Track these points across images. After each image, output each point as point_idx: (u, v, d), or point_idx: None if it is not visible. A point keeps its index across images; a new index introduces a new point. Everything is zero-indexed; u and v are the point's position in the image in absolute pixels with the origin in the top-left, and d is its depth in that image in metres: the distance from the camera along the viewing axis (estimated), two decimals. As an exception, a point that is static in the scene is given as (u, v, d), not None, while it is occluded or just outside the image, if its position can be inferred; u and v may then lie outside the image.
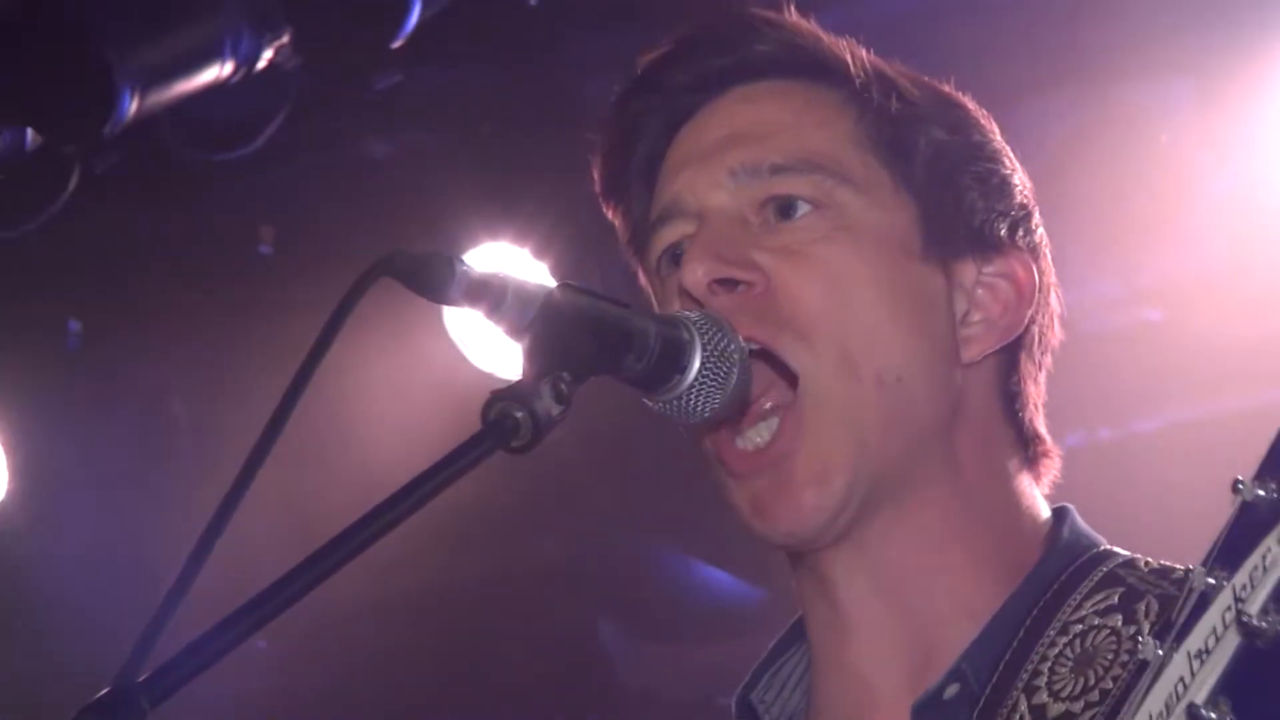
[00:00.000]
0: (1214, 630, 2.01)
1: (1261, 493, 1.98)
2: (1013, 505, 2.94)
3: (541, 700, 7.62)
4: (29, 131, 5.99)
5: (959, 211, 2.93)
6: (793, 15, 3.00)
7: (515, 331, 2.60)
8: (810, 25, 2.98)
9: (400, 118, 6.45)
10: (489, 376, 6.29)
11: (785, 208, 2.83)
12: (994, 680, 2.74)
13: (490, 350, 6.40)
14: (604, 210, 3.02)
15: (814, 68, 2.91)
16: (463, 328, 6.36)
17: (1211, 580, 2.01)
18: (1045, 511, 2.96)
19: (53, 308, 7.09)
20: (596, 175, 2.99)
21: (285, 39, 5.88)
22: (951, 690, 2.76)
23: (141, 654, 2.40)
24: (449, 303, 2.63)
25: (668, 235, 2.87)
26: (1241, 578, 1.97)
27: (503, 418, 2.48)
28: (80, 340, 7.16)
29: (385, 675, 7.23)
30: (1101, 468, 5.75)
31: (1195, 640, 2.02)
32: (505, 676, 7.56)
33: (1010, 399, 2.94)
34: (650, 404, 2.69)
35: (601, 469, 6.55)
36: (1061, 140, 6.10)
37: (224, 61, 5.89)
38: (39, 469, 7.27)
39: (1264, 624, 1.93)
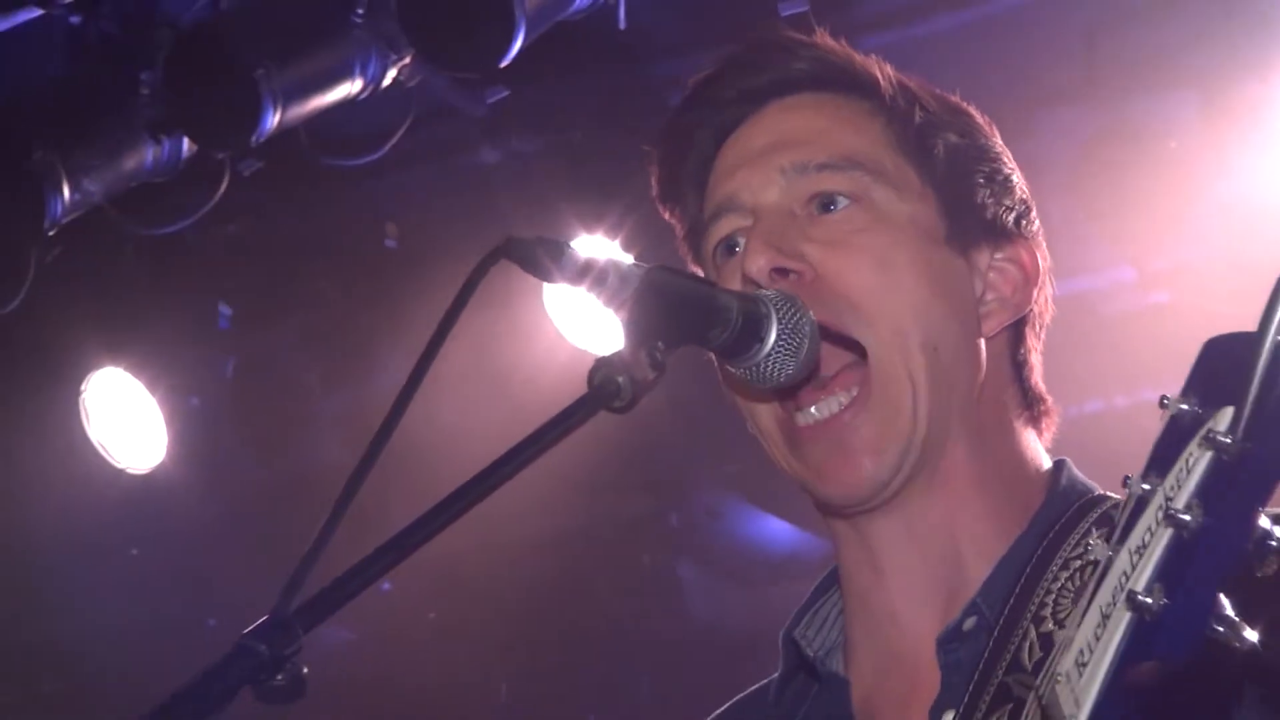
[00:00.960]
0: (1149, 528, 2.05)
1: (1184, 407, 2.04)
2: (1021, 458, 2.92)
3: (628, 629, 7.59)
4: (185, 141, 5.98)
5: (973, 205, 2.91)
6: (825, 38, 2.97)
7: (616, 306, 2.56)
8: (841, 45, 2.96)
9: (506, 128, 6.42)
10: (583, 353, 6.27)
11: (827, 202, 2.80)
12: (1005, 613, 2.72)
13: (584, 330, 6.37)
14: (661, 212, 2.98)
15: (846, 82, 2.89)
16: (562, 309, 6.32)
17: (1146, 486, 2.06)
18: (1047, 463, 2.95)
19: (206, 293, 7.09)
20: (654, 181, 2.96)
21: (407, 60, 5.86)
22: (970, 623, 2.73)
23: (293, 588, 2.42)
24: (560, 281, 2.59)
25: (724, 227, 2.85)
26: (1170, 480, 2.03)
27: (606, 382, 2.44)
28: (230, 321, 7.14)
29: (495, 610, 7.20)
30: (1116, 430, 5.73)
31: (1135, 539, 2.06)
32: (598, 611, 7.52)
33: (1019, 367, 2.94)
34: (733, 370, 2.65)
35: (683, 432, 6.51)
36: (1082, 146, 6.11)
37: (354, 80, 5.89)
38: (194, 434, 7.22)
39: (1188, 517, 1.99)
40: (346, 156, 6.42)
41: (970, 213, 2.91)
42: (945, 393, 2.78)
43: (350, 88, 5.91)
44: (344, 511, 2.52)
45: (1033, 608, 2.72)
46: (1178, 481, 2.05)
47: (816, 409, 2.74)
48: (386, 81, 5.94)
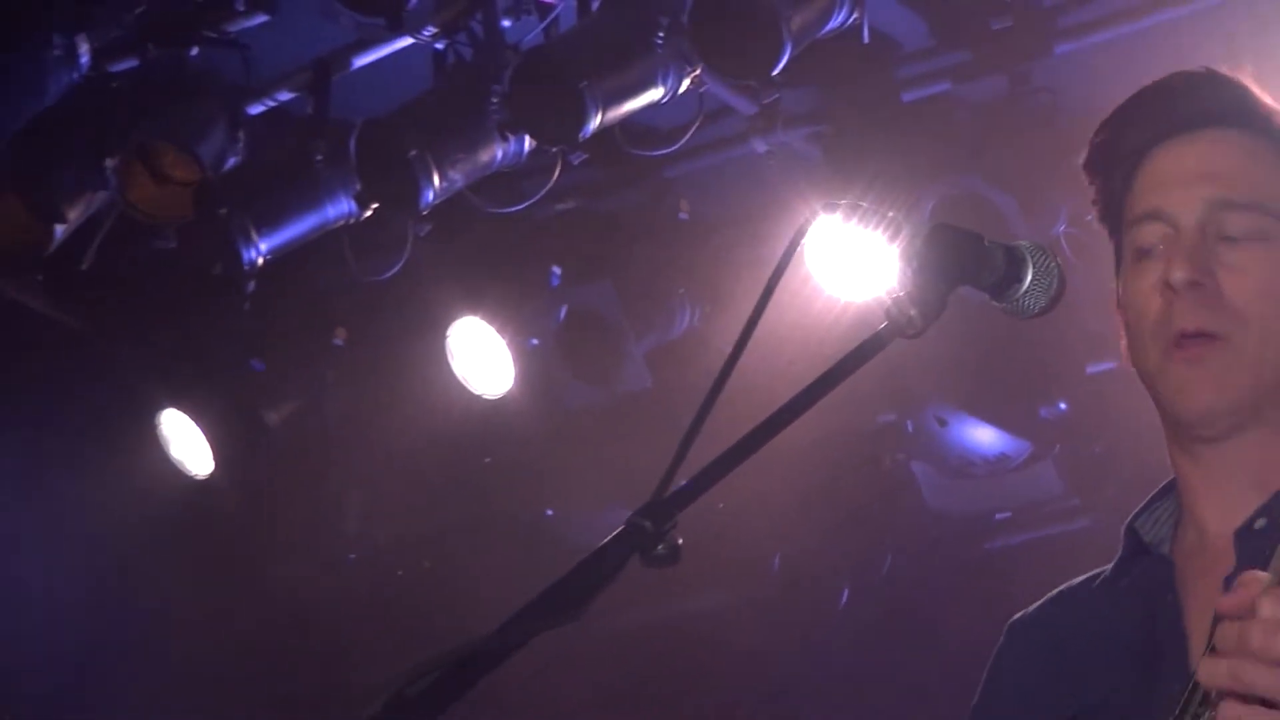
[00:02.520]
0: None
1: None
2: None
3: (874, 517, 7.51)
4: (527, 138, 6.00)
5: None
6: (1250, 79, 2.83)
7: (906, 253, 2.52)
8: (1251, 83, 2.83)
9: (774, 124, 6.38)
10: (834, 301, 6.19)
11: (1233, 237, 2.69)
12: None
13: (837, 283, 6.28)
14: (1084, 174, 2.88)
15: (1261, 121, 2.76)
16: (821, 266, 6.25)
17: None
18: None
19: (542, 258, 7.06)
20: (1086, 153, 2.84)
21: (697, 71, 5.85)
22: (1260, 523, 2.65)
23: (669, 478, 2.39)
24: (870, 229, 2.58)
25: (1149, 233, 2.74)
26: None
27: (901, 315, 2.42)
28: (560, 280, 7.14)
29: (769, 500, 7.13)
30: None
31: None
32: (849, 502, 7.46)
33: None
34: (997, 305, 2.59)
35: (916, 360, 6.44)
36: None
37: (657, 88, 5.88)
38: (533, 368, 7.25)
39: None
40: (650, 148, 6.39)
41: None
42: None
43: (654, 94, 5.89)
44: (699, 428, 2.47)
45: None
46: None
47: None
48: (681, 89, 5.92)
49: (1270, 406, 2.67)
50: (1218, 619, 2.25)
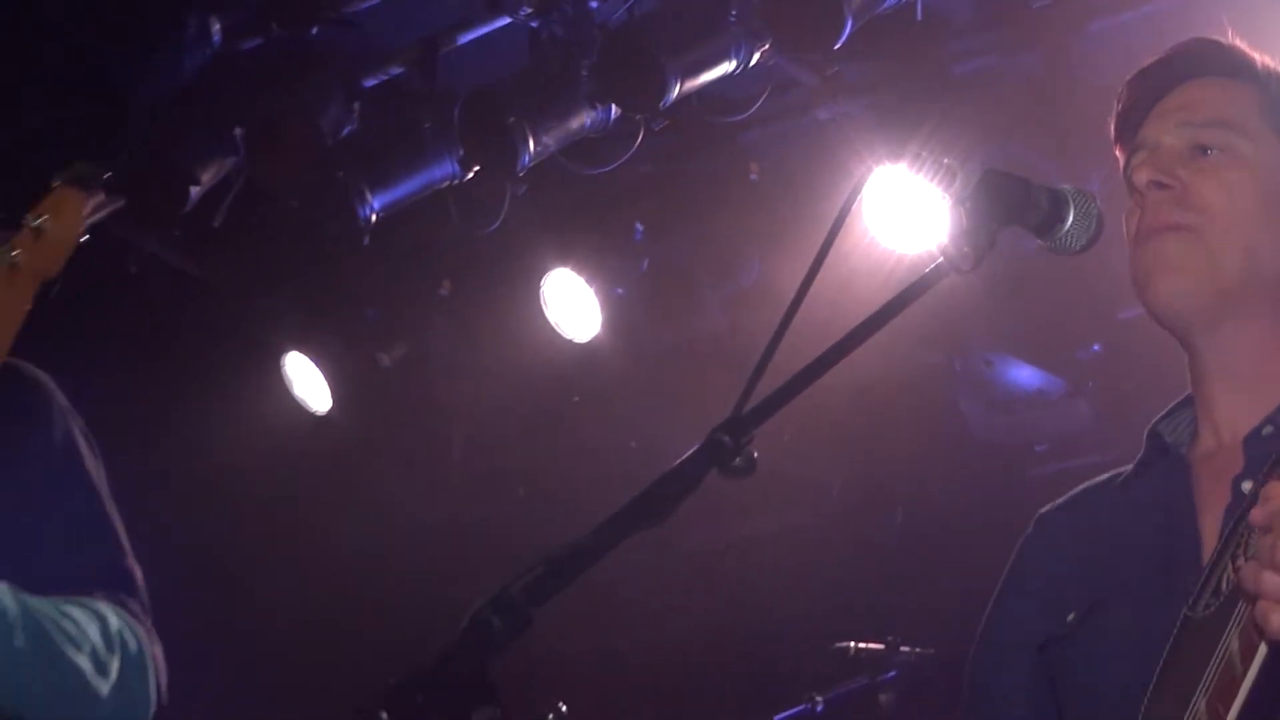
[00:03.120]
0: None
1: None
2: None
3: (924, 449, 7.52)
4: (613, 107, 6.03)
5: None
6: (1235, 38, 2.88)
7: (958, 197, 2.52)
8: (1238, 42, 2.87)
9: (836, 94, 6.38)
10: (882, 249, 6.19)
11: (1203, 149, 2.72)
12: None
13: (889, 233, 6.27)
14: (1113, 147, 2.91)
15: (1237, 69, 2.79)
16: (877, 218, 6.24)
17: None
18: None
19: (626, 216, 7.09)
20: (1113, 125, 2.89)
21: (767, 46, 5.85)
22: (1267, 430, 2.65)
23: (745, 397, 2.37)
24: (927, 178, 2.59)
25: (1137, 164, 2.75)
26: None
27: (956, 251, 2.44)
28: (643, 235, 7.16)
29: (828, 433, 7.15)
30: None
31: None
32: (902, 436, 7.48)
33: None
34: (1042, 242, 2.59)
35: (966, 304, 6.45)
36: None
37: (730, 61, 5.89)
38: (618, 314, 7.26)
39: None
40: (724, 115, 6.39)
41: None
42: (1249, 275, 2.68)
43: (727, 67, 5.90)
44: (770, 357, 2.46)
45: None
46: None
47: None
48: (752, 62, 5.93)
49: (1251, 300, 2.67)
50: (1237, 523, 2.28)
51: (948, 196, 2.58)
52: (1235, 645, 2.21)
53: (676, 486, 2.31)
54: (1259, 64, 2.80)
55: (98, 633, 2.86)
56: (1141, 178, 2.69)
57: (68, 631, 2.80)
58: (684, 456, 2.33)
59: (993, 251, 2.49)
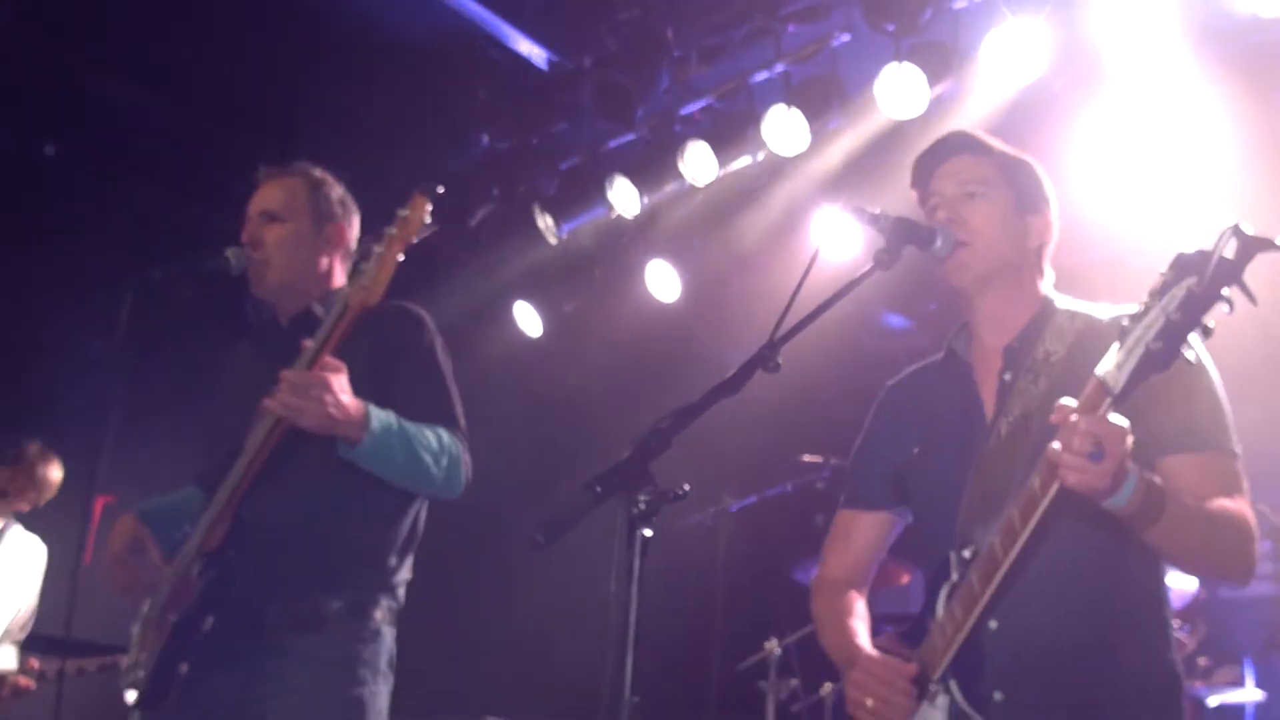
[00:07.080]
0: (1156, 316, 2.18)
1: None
2: (1043, 285, 2.94)
3: (841, 367, 7.06)
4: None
5: (1027, 193, 2.98)
6: (977, 133, 3.03)
7: (881, 230, 2.74)
8: (981, 134, 3.05)
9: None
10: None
11: (970, 195, 2.93)
12: (1026, 340, 2.90)
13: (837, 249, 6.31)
14: (912, 190, 3.13)
15: (984, 149, 3.01)
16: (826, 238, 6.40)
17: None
18: (1052, 291, 3.00)
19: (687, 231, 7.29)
20: (913, 181, 3.08)
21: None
22: (1014, 344, 2.90)
23: (776, 328, 2.62)
24: (862, 223, 2.77)
25: (932, 202, 2.99)
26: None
27: (880, 258, 2.70)
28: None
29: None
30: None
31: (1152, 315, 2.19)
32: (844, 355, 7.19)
33: (1041, 257, 2.97)
34: (924, 253, 2.86)
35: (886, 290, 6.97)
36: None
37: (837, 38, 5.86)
38: (695, 280, 7.32)
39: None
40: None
41: (1025, 196, 2.98)
42: (1006, 261, 2.90)
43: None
44: (789, 309, 2.64)
45: (1041, 342, 2.88)
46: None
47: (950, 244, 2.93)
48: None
49: (999, 278, 2.98)
50: (1001, 402, 2.76)
51: (878, 231, 2.88)
52: (1037, 482, 2.46)
53: (742, 375, 2.59)
54: (994, 146, 3.09)
55: (436, 443, 3.41)
56: (941, 214, 3.00)
57: (423, 440, 3.38)
58: (743, 362, 2.59)
59: (900, 259, 2.84)
